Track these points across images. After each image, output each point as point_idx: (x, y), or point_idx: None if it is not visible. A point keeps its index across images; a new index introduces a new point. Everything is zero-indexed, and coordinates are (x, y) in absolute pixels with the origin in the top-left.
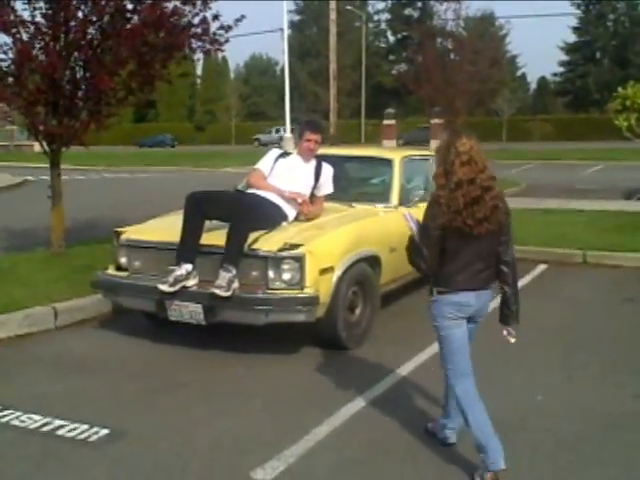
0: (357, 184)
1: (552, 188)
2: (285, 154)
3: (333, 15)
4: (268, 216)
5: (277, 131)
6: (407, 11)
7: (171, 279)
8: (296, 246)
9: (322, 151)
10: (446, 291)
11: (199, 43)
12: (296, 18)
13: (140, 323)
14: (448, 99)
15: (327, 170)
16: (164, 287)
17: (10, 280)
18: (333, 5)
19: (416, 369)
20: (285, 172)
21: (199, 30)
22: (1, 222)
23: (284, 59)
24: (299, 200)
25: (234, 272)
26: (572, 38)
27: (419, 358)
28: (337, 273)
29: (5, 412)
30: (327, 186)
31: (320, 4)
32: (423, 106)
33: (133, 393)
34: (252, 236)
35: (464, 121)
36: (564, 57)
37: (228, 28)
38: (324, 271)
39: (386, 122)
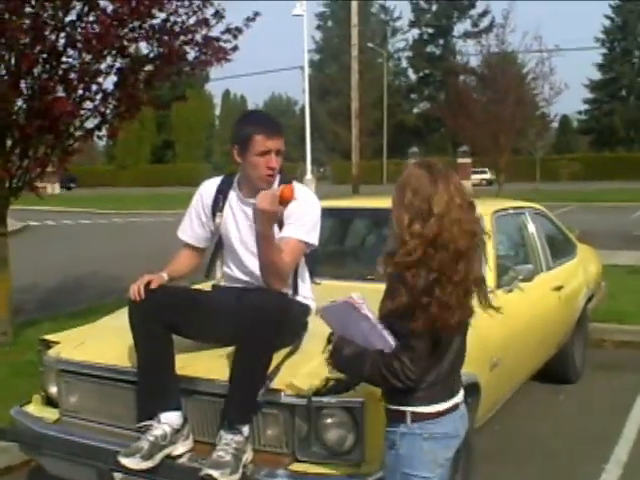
0: None
1: (607, 235)
2: (220, 190)
3: (355, 51)
4: (288, 323)
5: (71, 180)
6: (429, 48)
7: (145, 444)
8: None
9: (357, 204)
10: (426, 415)
11: (195, 51)
12: (315, 57)
13: None
14: (492, 135)
15: (300, 191)
16: (131, 462)
17: None
18: (355, 41)
19: None
20: (239, 238)
21: (197, 36)
22: None
23: (304, 98)
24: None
25: (246, 434)
26: (596, 75)
27: None
28: None
29: None
30: (294, 219)
31: (340, 42)
32: (446, 145)
33: None
34: None
35: (508, 160)
36: (587, 95)
37: (236, 31)
38: None
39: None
